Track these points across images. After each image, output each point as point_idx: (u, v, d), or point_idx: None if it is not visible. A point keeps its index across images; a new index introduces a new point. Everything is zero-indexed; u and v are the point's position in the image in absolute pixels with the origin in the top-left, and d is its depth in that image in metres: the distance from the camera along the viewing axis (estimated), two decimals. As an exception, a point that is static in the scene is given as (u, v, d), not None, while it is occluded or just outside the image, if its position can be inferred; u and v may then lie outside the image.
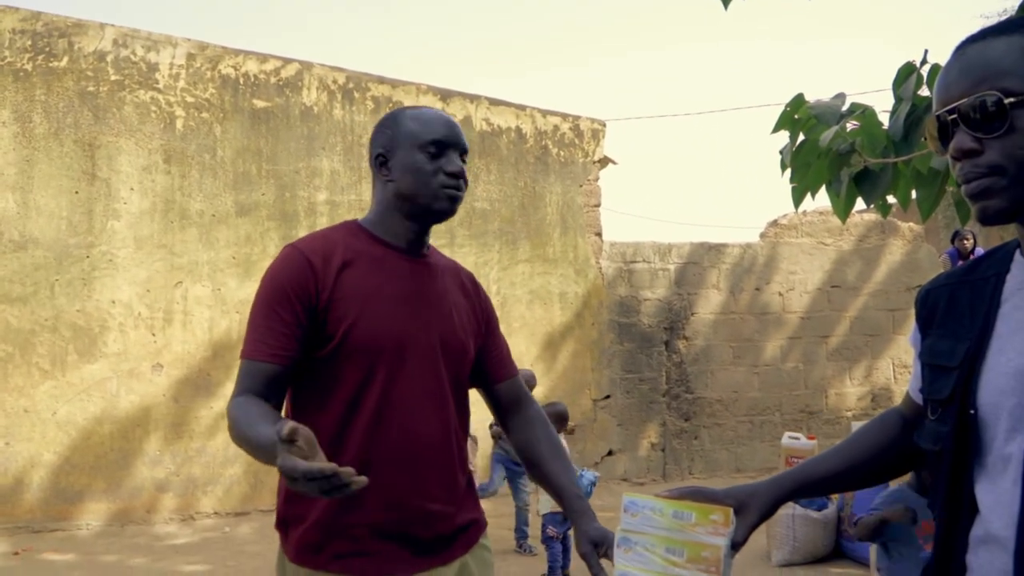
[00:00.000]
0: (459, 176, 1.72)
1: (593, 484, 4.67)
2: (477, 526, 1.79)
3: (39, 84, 6.49)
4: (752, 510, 1.36)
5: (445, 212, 1.73)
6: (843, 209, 2.88)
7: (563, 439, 5.46)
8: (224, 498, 6.80)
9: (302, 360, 1.62)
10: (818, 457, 1.46)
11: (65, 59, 6.57)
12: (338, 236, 1.71)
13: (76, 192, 6.54)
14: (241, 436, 1.49)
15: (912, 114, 2.61)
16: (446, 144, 1.72)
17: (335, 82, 7.36)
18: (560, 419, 5.42)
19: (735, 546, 1.32)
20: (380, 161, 1.75)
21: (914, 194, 2.91)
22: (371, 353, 1.62)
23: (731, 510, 1.33)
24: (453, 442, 1.74)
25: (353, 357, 1.62)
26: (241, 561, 5.67)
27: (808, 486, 1.42)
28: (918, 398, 1.32)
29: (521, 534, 5.97)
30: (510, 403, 1.90)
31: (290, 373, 1.61)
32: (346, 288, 1.63)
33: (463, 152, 1.76)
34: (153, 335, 6.66)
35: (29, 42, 6.48)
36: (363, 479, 1.22)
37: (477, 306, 1.85)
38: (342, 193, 7.31)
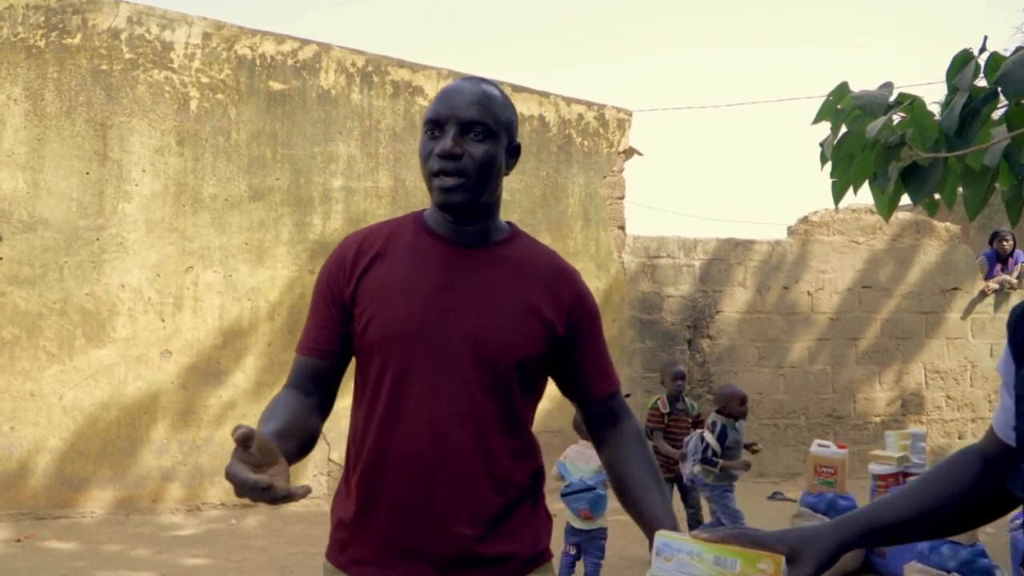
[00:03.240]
0: (448, 157, 1.48)
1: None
2: (517, 562, 1.56)
3: (52, 61, 6.35)
4: (808, 559, 1.14)
5: (443, 207, 1.53)
6: (887, 206, 2.66)
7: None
8: (230, 489, 6.56)
9: (342, 352, 1.59)
10: (885, 500, 1.24)
11: (78, 36, 6.42)
12: (390, 227, 1.64)
13: (87, 173, 6.39)
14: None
15: (968, 106, 2.38)
16: (440, 120, 1.51)
17: (354, 65, 7.16)
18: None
19: None
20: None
21: (961, 191, 2.70)
22: (384, 348, 1.53)
23: (783, 558, 1.12)
24: (482, 458, 1.51)
25: (372, 352, 1.54)
26: (245, 556, 5.52)
27: (875, 533, 1.20)
28: (1007, 437, 1.11)
29: None
30: (605, 419, 1.67)
31: (333, 368, 1.59)
32: (372, 281, 1.56)
33: (466, 124, 1.49)
34: (162, 321, 6.52)
35: (42, 18, 6.33)
36: (302, 489, 1.20)
37: (559, 309, 1.59)
38: (358, 179, 7.12)
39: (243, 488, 1.17)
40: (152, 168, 6.55)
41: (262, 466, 1.21)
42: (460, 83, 1.56)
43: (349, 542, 1.58)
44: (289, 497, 1.19)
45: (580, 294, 1.64)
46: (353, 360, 1.63)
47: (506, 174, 1.60)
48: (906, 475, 5.07)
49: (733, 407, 5.35)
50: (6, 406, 6.13)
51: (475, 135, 1.50)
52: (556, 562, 1.88)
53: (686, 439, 5.60)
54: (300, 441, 1.46)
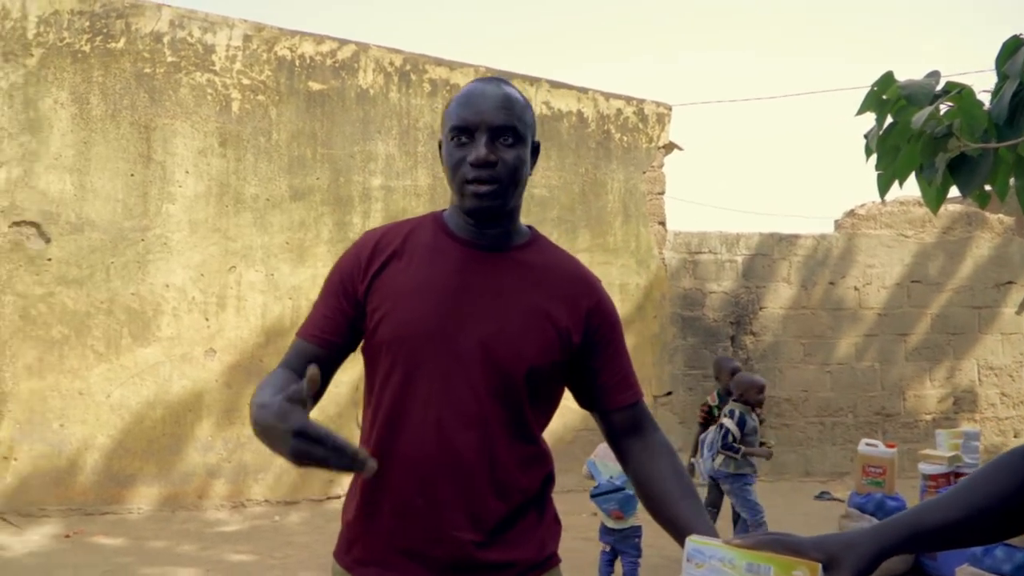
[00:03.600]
0: (483, 165, 1.45)
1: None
2: (519, 568, 1.53)
3: (96, 65, 6.45)
4: (846, 566, 1.09)
5: (475, 212, 1.50)
6: (935, 199, 2.57)
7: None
8: (274, 486, 6.73)
9: (344, 346, 1.57)
10: (930, 503, 1.18)
11: (122, 40, 6.52)
12: (410, 225, 1.62)
13: (132, 175, 6.49)
14: (252, 403, 1.38)
15: (1019, 94, 2.29)
16: (469, 127, 1.47)
17: (391, 64, 7.17)
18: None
19: None
20: (439, 149, 1.57)
21: (1012, 183, 2.61)
22: (394, 347, 1.51)
23: (819, 565, 1.07)
24: (486, 465, 1.49)
25: (383, 351, 1.53)
26: (288, 553, 5.57)
27: (917, 538, 1.14)
28: None
29: None
30: (627, 431, 1.61)
31: (330, 359, 1.55)
32: (387, 280, 1.54)
33: (501, 128, 1.46)
34: (206, 320, 6.60)
35: (87, 23, 6.44)
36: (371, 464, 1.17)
37: (576, 317, 1.55)
38: (397, 178, 7.13)
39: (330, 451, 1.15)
40: (195, 169, 6.64)
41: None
42: (480, 86, 1.52)
43: (354, 542, 1.57)
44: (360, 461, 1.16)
45: (599, 301, 1.60)
46: (361, 361, 1.62)
47: (529, 174, 1.57)
48: (957, 475, 4.93)
49: (751, 396, 5.33)
50: (56, 404, 6.25)
51: (505, 140, 1.47)
52: (572, 560, 1.83)
53: (701, 436, 5.55)
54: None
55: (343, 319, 1.56)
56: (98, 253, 6.38)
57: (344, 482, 6.88)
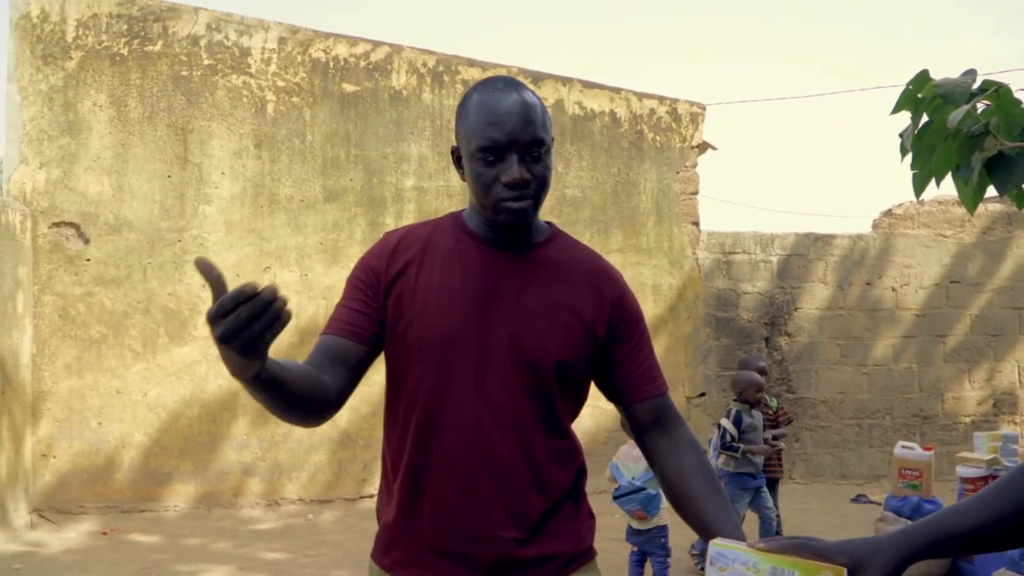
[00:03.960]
0: (518, 186, 1.45)
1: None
2: (559, 561, 1.55)
3: (134, 68, 6.55)
4: (872, 571, 1.08)
5: (508, 227, 1.51)
6: (972, 199, 2.52)
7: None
8: (308, 484, 6.78)
9: (374, 340, 1.53)
10: (958, 507, 1.16)
11: (159, 43, 6.61)
12: (429, 227, 1.61)
13: (169, 176, 6.59)
14: None
15: (1059, 90, 2.24)
16: (500, 147, 1.45)
17: (424, 65, 7.20)
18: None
19: None
20: (455, 156, 1.56)
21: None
22: (423, 351, 1.50)
23: (844, 570, 1.06)
24: (525, 462, 1.50)
25: (411, 355, 1.52)
26: (321, 551, 5.62)
27: (945, 542, 1.12)
28: None
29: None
30: (651, 424, 1.59)
31: (362, 354, 1.52)
32: (408, 284, 1.53)
33: (530, 144, 1.45)
34: (241, 320, 6.66)
35: (125, 26, 6.54)
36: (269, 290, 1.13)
37: (600, 311, 1.56)
38: (430, 179, 7.16)
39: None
40: (231, 171, 6.71)
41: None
42: (497, 97, 1.49)
43: (392, 545, 1.57)
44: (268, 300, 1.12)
45: (622, 295, 1.61)
46: (384, 365, 1.61)
47: None
48: (995, 478, 4.83)
49: (749, 394, 5.35)
50: (94, 403, 6.36)
51: (534, 155, 1.47)
52: (604, 560, 1.81)
53: (709, 438, 5.52)
54: (308, 382, 1.40)
55: (375, 313, 1.53)
56: (135, 253, 6.48)
57: (377, 482, 6.91)
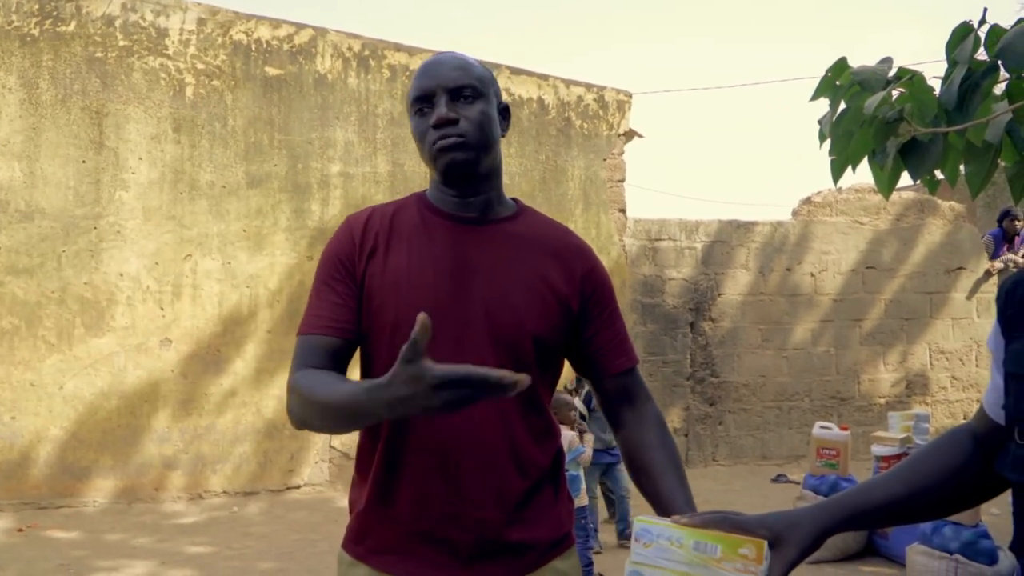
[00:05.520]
0: (444, 124, 1.45)
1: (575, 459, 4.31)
2: (540, 548, 1.52)
3: (46, 49, 6.30)
4: (791, 543, 1.10)
5: (449, 170, 1.48)
6: (887, 184, 2.60)
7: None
8: (233, 476, 6.66)
9: (358, 331, 1.51)
10: (873, 481, 1.20)
11: (73, 24, 6.37)
12: (393, 207, 1.59)
13: (83, 161, 6.36)
14: (317, 403, 1.34)
15: (968, 80, 2.32)
16: (427, 95, 1.48)
17: (350, 49, 7.10)
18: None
19: None
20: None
21: (963, 169, 2.65)
22: (397, 330, 1.45)
23: (765, 543, 1.08)
24: (506, 440, 1.48)
25: (383, 335, 1.48)
26: (247, 544, 5.52)
27: (861, 516, 1.16)
28: (998, 416, 1.07)
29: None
30: (620, 397, 1.60)
31: (348, 348, 1.50)
32: (381, 263, 1.51)
33: (455, 90, 1.47)
34: (162, 309, 6.49)
35: (36, 6, 6.28)
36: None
37: (572, 284, 1.55)
38: (356, 165, 7.07)
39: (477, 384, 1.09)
40: (148, 156, 6.51)
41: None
42: (435, 56, 1.54)
43: (367, 532, 1.53)
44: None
45: (593, 268, 1.61)
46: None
47: (502, 136, 1.57)
48: (908, 456, 5.04)
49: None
50: (6, 396, 6.12)
51: (465, 98, 1.48)
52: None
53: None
54: None
55: (353, 304, 1.50)
56: (49, 241, 6.25)
57: (304, 473, 6.84)
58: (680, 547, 1.10)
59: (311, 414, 1.38)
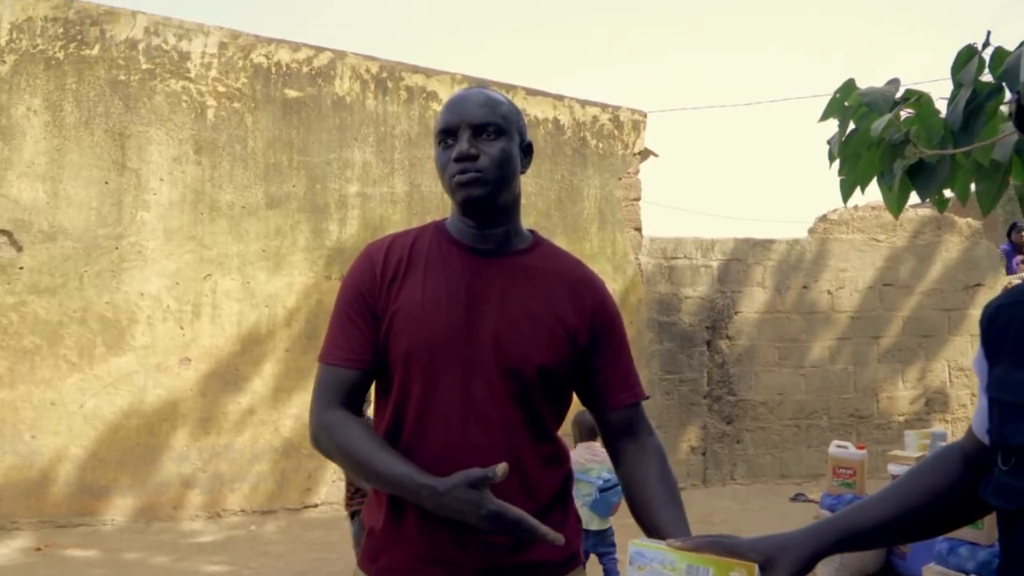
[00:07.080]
0: (464, 159, 1.50)
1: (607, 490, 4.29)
2: (548, 568, 1.55)
3: (70, 72, 6.42)
4: (782, 566, 1.12)
5: (466, 203, 1.53)
6: (896, 204, 2.62)
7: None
8: (251, 495, 6.70)
9: (377, 367, 1.56)
10: (864, 502, 1.21)
11: (97, 47, 6.49)
12: (411, 236, 1.63)
13: (106, 182, 6.46)
14: (355, 460, 1.49)
15: (972, 101, 2.35)
16: (452, 129, 1.53)
17: (368, 71, 7.19)
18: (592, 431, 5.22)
19: None
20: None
21: (974, 187, 2.66)
22: (410, 359, 1.52)
23: (756, 566, 1.10)
24: (513, 465, 1.47)
25: (397, 363, 1.53)
26: (264, 563, 5.54)
27: (852, 537, 1.18)
28: (984, 437, 1.08)
29: None
30: (623, 431, 1.63)
31: (366, 380, 1.57)
32: (396, 291, 1.55)
33: (478, 126, 1.51)
34: (181, 328, 6.57)
35: (61, 30, 6.41)
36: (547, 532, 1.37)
37: (582, 318, 1.58)
38: (374, 185, 7.14)
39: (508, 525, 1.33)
40: (170, 177, 6.61)
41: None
42: (463, 91, 1.59)
43: (380, 552, 1.56)
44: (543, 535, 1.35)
45: (603, 302, 1.64)
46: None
47: (522, 172, 1.61)
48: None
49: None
50: (27, 415, 6.20)
51: (488, 135, 1.52)
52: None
53: None
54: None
55: (372, 335, 1.55)
56: (71, 262, 6.35)
57: (321, 491, 6.86)
58: (673, 570, 1.12)
59: (343, 463, 1.52)
